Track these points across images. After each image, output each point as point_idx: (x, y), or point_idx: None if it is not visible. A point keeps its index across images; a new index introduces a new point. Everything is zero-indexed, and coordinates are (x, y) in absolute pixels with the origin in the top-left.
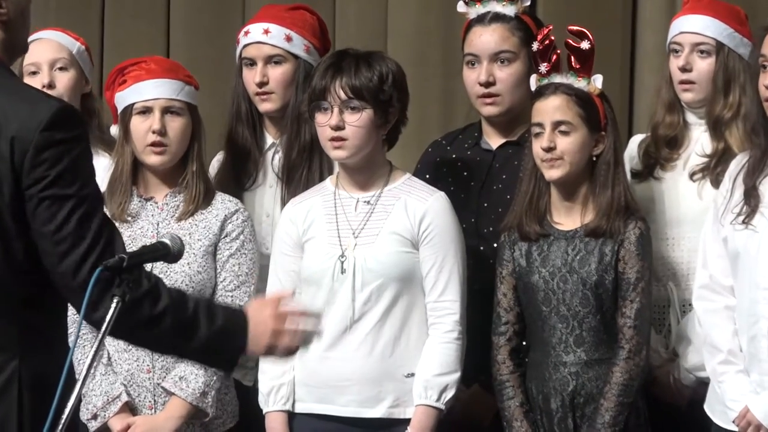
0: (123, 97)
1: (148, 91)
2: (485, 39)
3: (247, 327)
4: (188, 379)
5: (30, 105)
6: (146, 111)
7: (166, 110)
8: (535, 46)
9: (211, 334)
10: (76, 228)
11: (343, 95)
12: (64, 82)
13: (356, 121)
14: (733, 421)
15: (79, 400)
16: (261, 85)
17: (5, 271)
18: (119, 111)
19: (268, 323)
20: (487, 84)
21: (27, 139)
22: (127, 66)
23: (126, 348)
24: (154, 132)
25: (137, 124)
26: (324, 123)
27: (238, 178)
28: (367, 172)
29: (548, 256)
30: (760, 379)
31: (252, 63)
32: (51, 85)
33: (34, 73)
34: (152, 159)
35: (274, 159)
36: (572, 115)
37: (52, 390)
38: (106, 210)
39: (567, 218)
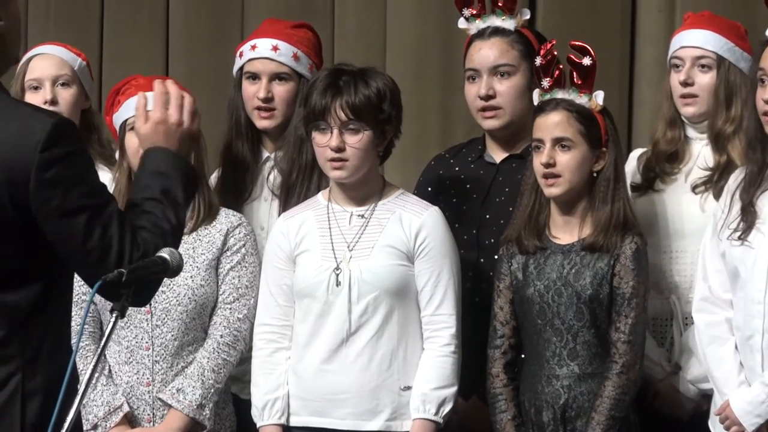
0: (118, 117)
1: None
2: (484, 53)
3: (170, 151)
4: (185, 392)
5: (22, 125)
6: None
7: None
8: (537, 60)
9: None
10: (101, 237)
11: (343, 116)
12: (66, 98)
13: (357, 142)
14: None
15: (79, 412)
16: (266, 100)
17: (3, 285)
18: (118, 131)
19: (167, 124)
20: (487, 97)
21: (26, 161)
22: (121, 87)
23: (126, 360)
24: None
25: (130, 138)
26: (324, 144)
27: (237, 191)
28: (362, 187)
29: (544, 269)
30: None
31: (255, 77)
32: (53, 102)
33: (36, 88)
34: None
35: (270, 173)
36: (572, 131)
37: (56, 401)
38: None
39: (565, 232)
